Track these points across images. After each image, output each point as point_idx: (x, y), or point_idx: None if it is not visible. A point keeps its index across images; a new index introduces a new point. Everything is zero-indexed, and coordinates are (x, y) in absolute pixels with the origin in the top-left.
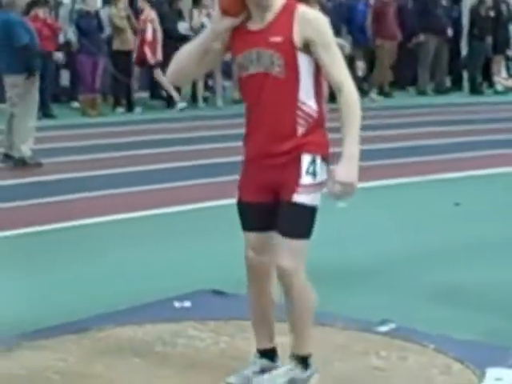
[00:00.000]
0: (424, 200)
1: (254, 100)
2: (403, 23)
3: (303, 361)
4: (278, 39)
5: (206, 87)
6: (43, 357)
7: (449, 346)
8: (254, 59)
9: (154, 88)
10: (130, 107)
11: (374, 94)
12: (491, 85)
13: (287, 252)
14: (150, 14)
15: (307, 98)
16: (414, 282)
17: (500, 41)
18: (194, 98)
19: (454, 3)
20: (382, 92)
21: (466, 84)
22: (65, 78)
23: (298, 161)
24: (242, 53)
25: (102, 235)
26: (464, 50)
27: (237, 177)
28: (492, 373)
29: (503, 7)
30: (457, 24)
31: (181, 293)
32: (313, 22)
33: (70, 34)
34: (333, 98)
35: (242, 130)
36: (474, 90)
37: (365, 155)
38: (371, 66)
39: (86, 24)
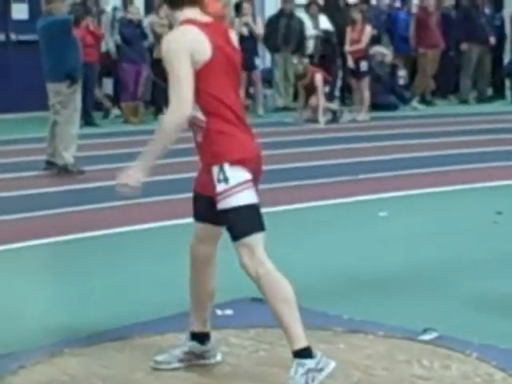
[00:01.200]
0: (466, 208)
1: None
2: (446, 32)
3: (303, 353)
4: None
5: (247, 95)
6: (86, 363)
7: (492, 355)
8: None
9: None
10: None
11: (415, 103)
12: None
13: (241, 252)
14: None
15: (195, 110)
16: (457, 290)
17: None
18: None
19: (496, 11)
20: (423, 100)
21: (508, 93)
22: (107, 86)
23: (210, 172)
24: None
25: (141, 242)
26: (506, 59)
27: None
28: None
29: None
30: (499, 32)
31: (223, 300)
32: (162, 46)
33: (111, 42)
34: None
35: (283, 138)
36: None
37: (407, 164)
38: (413, 74)
39: (130, 32)
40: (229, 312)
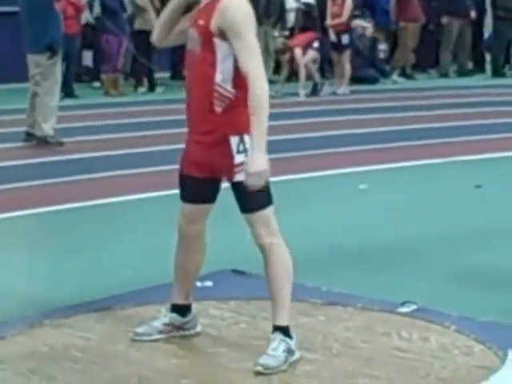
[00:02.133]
0: (445, 181)
1: (187, 74)
2: (426, 5)
3: (285, 331)
4: (201, 22)
5: None
6: (66, 335)
7: (470, 328)
8: (190, 37)
9: (175, 68)
10: (151, 87)
11: (396, 76)
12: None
13: (256, 224)
14: None
15: (223, 81)
16: (436, 263)
17: None
18: None
19: None
20: (404, 74)
21: (488, 67)
22: (87, 57)
23: (226, 143)
24: (189, 29)
25: (121, 214)
26: (486, 33)
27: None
28: None
29: None
30: (480, 7)
31: (203, 272)
32: (229, 13)
33: (95, 13)
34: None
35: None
36: (497, 72)
37: (386, 137)
38: (393, 47)
39: (110, 4)
40: (208, 284)
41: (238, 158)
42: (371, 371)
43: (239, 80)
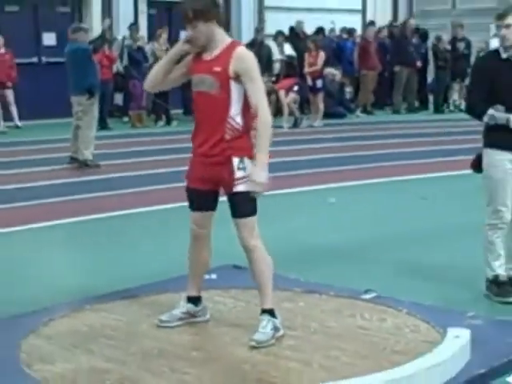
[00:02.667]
0: (396, 195)
1: (199, 111)
2: (382, 57)
3: (271, 313)
4: (218, 69)
5: None
6: (102, 317)
7: (418, 311)
8: (202, 81)
9: (187, 106)
10: (168, 121)
11: (358, 112)
12: (448, 105)
13: (243, 228)
14: None
15: (235, 115)
16: (391, 259)
17: (456, 71)
18: None
19: (422, 41)
20: (365, 110)
21: (431, 105)
22: (118, 98)
23: (230, 162)
24: (196, 75)
25: (145, 221)
26: (429, 78)
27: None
28: (452, 332)
29: (460, 44)
30: (424, 58)
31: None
32: (245, 60)
33: (124, 63)
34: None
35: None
36: (437, 109)
37: (351, 160)
38: (357, 90)
39: (136, 56)
40: (214, 276)
41: (238, 174)
42: (341, 345)
43: (245, 113)
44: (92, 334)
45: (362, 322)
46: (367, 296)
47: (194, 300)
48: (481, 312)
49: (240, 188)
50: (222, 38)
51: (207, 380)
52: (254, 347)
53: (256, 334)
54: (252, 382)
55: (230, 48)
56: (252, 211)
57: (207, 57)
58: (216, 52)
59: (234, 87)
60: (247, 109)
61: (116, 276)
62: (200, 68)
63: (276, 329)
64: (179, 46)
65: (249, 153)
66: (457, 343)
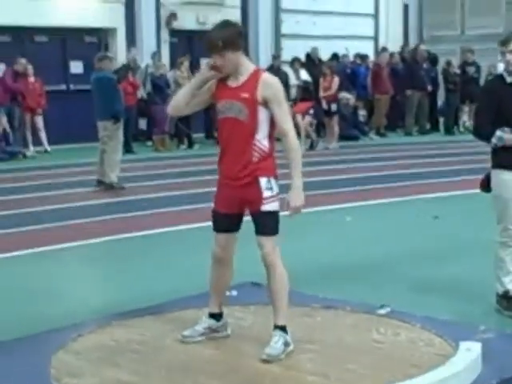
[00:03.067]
0: (410, 214)
1: (225, 136)
2: (395, 81)
3: (283, 329)
4: (246, 95)
5: None
6: (128, 332)
7: (431, 325)
8: (229, 107)
9: (208, 130)
10: (190, 145)
11: (372, 135)
12: (459, 127)
13: (267, 245)
14: None
15: (262, 138)
16: (405, 275)
17: (466, 94)
18: None
19: (432, 66)
20: (378, 133)
21: (441, 127)
22: (142, 123)
23: (257, 182)
24: (222, 101)
25: (168, 241)
26: (440, 102)
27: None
28: (464, 345)
29: (470, 68)
30: (434, 82)
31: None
32: (272, 86)
33: (147, 90)
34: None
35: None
36: (448, 131)
37: (366, 181)
38: (370, 113)
39: (159, 83)
40: (234, 293)
41: (266, 194)
42: (357, 358)
43: (271, 136)
44: (118, 348)
45: (377, 336)
46: (382, 311)
47: (216, 316)
48: (492, 326)
49: (267, 208)
50: (247, 66)
51: None
52: (265, 360)
53: (268, 348)
54: None
55: (256, 75)
56: (275, 230)
57: (233, 84)
58: (242, 79)
59: (261, 112)
60: (273, 132)
61: (141, 293)
62: (227, 94)
63: (286, 344)
64: (204, 73)
65: (275, 173)
66: (469, 356)
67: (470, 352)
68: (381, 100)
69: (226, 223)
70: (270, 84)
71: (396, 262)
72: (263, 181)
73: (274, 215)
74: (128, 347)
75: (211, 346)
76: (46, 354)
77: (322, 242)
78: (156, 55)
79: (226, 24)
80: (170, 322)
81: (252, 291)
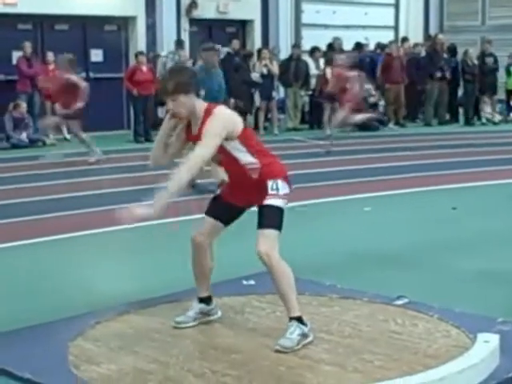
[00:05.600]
0: (429, 204)
1: (224, 169)
2: (417, 71)
3: (299, 320)
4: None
5: (266, 119)
6: (146, 320)
7: (449, 316)
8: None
9: None
10: None
11: (392, 125)
12: (479, 118)
13: (261, 239)
14: None
15: (247, 159)
16: (422, 265)
17: (486, 85)
18: (256, 127)
19: (451, 56)
20: (398, 123)
21: (461, 118)
22: (161, 111)
23: (265, 185)
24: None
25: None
26: (460, 92)
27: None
28: (481, 337)
29: (489, 59)
30: (454, 72)
31: (247, 274)
32: (211, 119)
33: None
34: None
35: (293, 151)
36: (468, 122)
37: (386, 171)
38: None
39: None
40: (252, 282)
41: (272, 191)
42: (374, 349)
43: (253, 151)
44: (137, 336)
45: (394, 326)
46: (399, 302)
47: (205, 300)
48: (511, 318)
49: (270, 202)
50: (200, 107)
51: (246, 381)
52: (278, 351)
53: (282, 339)
54: (288, 383)
55: (207, 114)
56: (276, 224)
57: (195, 128)
58: (199, 123)
59: (229, 146)
60: (250, 145)
61: (159, 281)
62: (193, 140)
63: (304, 335)
64: (166, 122)
65: (280, 175)
66: (486, 348)
67: (487, 344)
68: (390, 90)
69: (222, 210)
70: (211, 117)
71: (415, 252)
72: (269, 183)
73: (275, 209)
74: (146, 335)
75: (229, 334)
76: (64, 341)
77: (340, 232)
78: (182, 44)
79: (177, 69)
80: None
81: (269, 280)
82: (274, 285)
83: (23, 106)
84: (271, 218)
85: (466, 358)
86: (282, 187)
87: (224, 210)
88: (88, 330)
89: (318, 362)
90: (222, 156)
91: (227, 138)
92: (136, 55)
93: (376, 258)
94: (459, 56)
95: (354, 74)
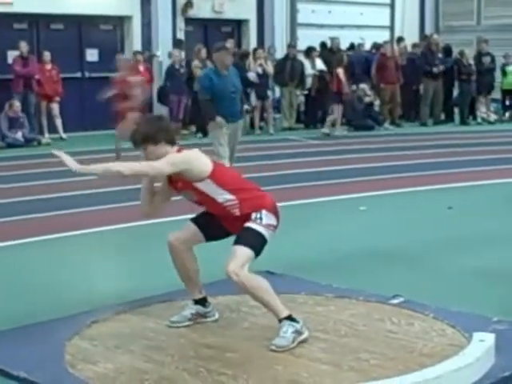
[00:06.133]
0: (423, 204)
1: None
2: (411, 71)
3: (290, 318)
4: (179, 184)
5: (262, 119)
6: (142, 320)
7: (444, 315)
8: (184, 196)
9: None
10: (206, 133)
11: (387, 124)
12: (475, 118)
13: (230, 257)
14: None
15: (226, 197)
16: (417, 264)
17: (482, 85)
18: (252, 127)
19: (447, 56)
20: (393, 123)
21: (456, 117)
22: (162, 110)
23: (249, 217)
24: (178, 192)
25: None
26: (455, 92)
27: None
28: (477, 336)
29: (486, 59)
30: (450, 72)
31: None
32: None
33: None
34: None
35: (288, 151)
36: (463, 122)
37: (381, 170)
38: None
39: (174, 71)
40: None
41: (253, 219)
42: (370, 348)
43: (230, 188)
44: (133, 335)
45: (390, 325)
46: (395, 301)
47: (201, 301)
48: (506, 317)
49: (250, 225)
50: (174, 152)
51: (241, 380)
52: (273, 351)
53: (276, 338)
54: (284, 382)
55: None
56: (249, 243)
57: (174, 175)
58: None
59: (201, 187)
60: (224, 183)
61: (155, 281)
62: (173, 187)
63: (298, 332)
64: (143, 184)
65: (263, 207)
66: (482, 347)
67: (483, 343)
68: (386, 90)
69: (209, 224)
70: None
71: (410, 251)
72: (253, 214)
73: (253, 232)
74: (142, 334)
75: (224, 334)
76: (61, 340)
77: (336, 231)
78: (181, 43)
79: (149, 120)
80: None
81: (267, 280)
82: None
83: (17, 105)
84: (247, 238)
85: (461, 356)
86: (267, 218)
87: (212, 225)
88: (84, 329)
89: (313, 360)
90: (197, 196)
91: (197, 178)
92: (134, 54)
93: (371, 257)
94: (454, 56)
95: (137, 78)
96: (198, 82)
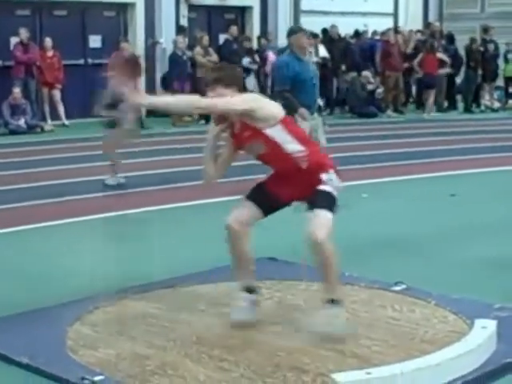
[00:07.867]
0: (428, 191)
1: (271, 167)
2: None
3: (334, 301)
4: (249, 133)
5: None
6: (144, 306)
7: (446, 302)
8: (250, 151)
9: None
10: (207, 120)
11: (390, 112)
12: (478, 106)
13: (314, 222)
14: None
15: (292, 146)
16: (419, 252)
17: (487, 72)
18: None
19: (449, 44)
20: (396, 110)
21: (459, 105)
22: None
23: (318, 179)
24: (242, 148)
25: (186, 216)
26: (458, 80)
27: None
28: (479, 323)
29: (490, 46)
30: (453, 60)
31: None
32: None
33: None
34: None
35: None
36: (467, 109)
37: (381, 158)
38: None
39: (177, 58)
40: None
41: (325, 180)
42: (371, 334)
43: (300, 139)
44: (134, 321)
45: (392, 312)
46: (397, 288)
47: (253, 288)
48: (508, 304)
49: (323, 187)
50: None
51: (243, 366)
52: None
53: (324, 322)
54: (286, 368)
55: None
56: (327, 206)
57: (236, 130)
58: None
59: (272, 134)
60: (294, 131)
61: (157, 267)
62: (239, 142)
63: (334, 315)
64: (211, 130)
65: (331, 166)
66: (483, 334)
67: (484, 330)
68: (390, 77)
69: (265, 199)
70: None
71: (413, 238)
72: (324, 176)
73: (329, 194)
74: (144, 320)
75: (227, 320)
76: (62, 325)
77: (338, 218)
78: (184, 30)
79: (226, 65)
80: (185, 296)
81: (269, 266)
82: (318, 267)
83: (17, 91)
84: (324, 200)
85: (463, 343)
86: (336, 179)
87: (267, 199)
88: (86, 315)
89: (316, 347)
90: (266, 147)
91: (268, 122)
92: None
93: (373, 244)
94: (461, 43)
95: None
96: (276, 71)
